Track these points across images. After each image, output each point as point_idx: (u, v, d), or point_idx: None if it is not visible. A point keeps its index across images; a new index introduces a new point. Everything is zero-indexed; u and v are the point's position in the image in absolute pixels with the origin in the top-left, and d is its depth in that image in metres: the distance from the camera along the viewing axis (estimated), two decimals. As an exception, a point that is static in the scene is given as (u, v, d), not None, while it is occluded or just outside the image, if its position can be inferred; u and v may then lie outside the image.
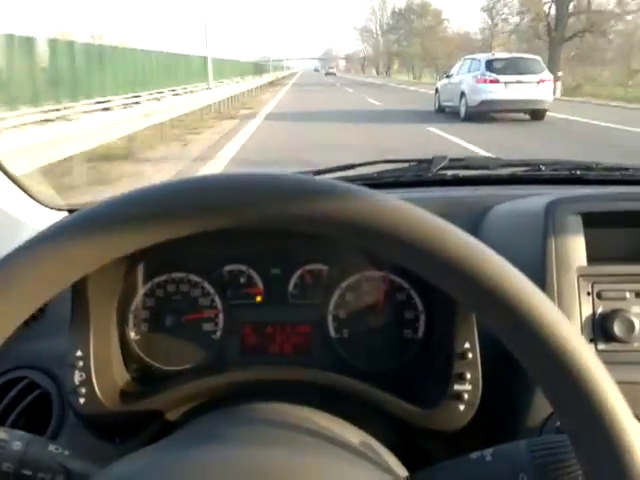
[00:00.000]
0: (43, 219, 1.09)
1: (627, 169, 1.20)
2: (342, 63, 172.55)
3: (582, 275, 0.79)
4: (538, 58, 14.76)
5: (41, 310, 0.92)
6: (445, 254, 0.42)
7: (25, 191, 1.10)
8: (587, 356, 0.40)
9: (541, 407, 0.74)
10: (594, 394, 0.39)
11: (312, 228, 0.45)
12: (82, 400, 0.69)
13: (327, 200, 0.43)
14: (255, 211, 0.45)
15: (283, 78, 57.51)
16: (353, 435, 0.60)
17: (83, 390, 0.69)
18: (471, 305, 0.44)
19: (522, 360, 0.42)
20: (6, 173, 1.06)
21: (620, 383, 0.41)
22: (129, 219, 0.45)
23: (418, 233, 0.43)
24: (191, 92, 16.29)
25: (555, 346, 0.40)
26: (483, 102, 13.37)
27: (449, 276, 0.43)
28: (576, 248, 0.80)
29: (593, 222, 0.82)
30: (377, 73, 62.83)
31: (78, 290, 0.67)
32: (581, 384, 0.39)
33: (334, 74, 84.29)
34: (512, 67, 13.81)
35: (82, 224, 0.45)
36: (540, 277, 0.79)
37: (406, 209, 0.43)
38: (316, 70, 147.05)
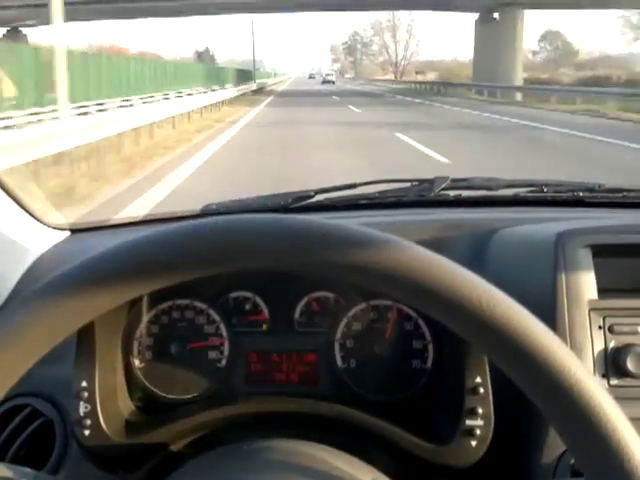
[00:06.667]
0: (45, 239, 1.08)
1: (630, 191, 1.20)
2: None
3: (593, 309, 0.78)
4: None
5: None
6: (457, 298, 0.42)
7: (26, 210, 1.08)
8: (599, 396, 0.40)
9: (554, 444, 0.73)
10: (607, 433, 0.39)
11: (332, 275, 0.44)
12: (87, 432, 0.67)
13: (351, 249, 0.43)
14: (270, 256, 0.45)
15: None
16: (364, 473, 0.58)
17: (88, 422, 0.67)
18: (482, 348, 0.44)
19: (534, 400, 0.42)
20: (6, 190, 1.05)
21: (633, 419, 0.40)
22: (138, 266, 0.45)
23: (437, 281, 0.43)
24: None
25: (566, 386, 0.40)
26: None
27: (457, 319, 0.43)
28: (587, 281, 0.79)
29: (602, 252, 0.81)
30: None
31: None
32: (594, 424, 0.39)
33: (332, 82, 65.13)
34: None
35: (88, 273, 0.45)
36: (551, 311, 0.78)
37: (429, 259, 0.43)
38: (312, 77, 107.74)
